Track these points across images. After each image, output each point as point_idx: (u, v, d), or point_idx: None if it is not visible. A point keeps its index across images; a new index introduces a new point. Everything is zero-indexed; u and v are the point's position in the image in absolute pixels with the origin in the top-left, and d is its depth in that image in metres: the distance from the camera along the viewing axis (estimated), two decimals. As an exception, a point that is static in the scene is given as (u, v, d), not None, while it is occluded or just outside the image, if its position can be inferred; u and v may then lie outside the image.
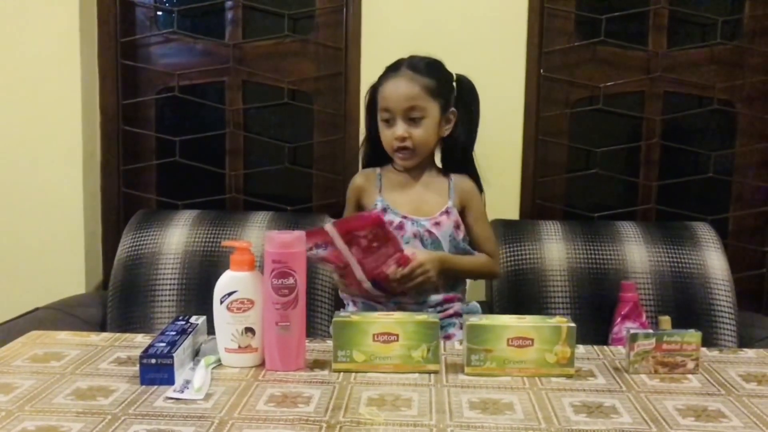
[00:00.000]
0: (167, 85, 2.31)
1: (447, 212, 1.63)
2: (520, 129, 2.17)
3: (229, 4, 2.28)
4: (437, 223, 1.61)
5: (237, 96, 2.31)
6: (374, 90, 1.65)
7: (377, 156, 1.68)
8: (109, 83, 2.26)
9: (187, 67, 2.30)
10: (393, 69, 1.61)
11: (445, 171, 1.68)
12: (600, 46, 2.22)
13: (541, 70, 2.18)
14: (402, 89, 1.57)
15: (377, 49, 2.15)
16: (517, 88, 2.16)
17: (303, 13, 2.28)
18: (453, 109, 1.64)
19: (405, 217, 1.60)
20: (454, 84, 1.67)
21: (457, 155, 1.67)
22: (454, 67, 2.12)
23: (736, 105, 2.25)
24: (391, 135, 1.58)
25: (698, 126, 2.32)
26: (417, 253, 1.50)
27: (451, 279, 1.63)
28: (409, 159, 1.61)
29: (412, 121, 1.57)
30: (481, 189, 1.71)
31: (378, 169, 1.68)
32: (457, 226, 1.63)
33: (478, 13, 2.14)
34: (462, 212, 1.65)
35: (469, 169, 1.69)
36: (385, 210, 1.61)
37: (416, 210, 1.62)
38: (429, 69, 1.60)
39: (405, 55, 2.13)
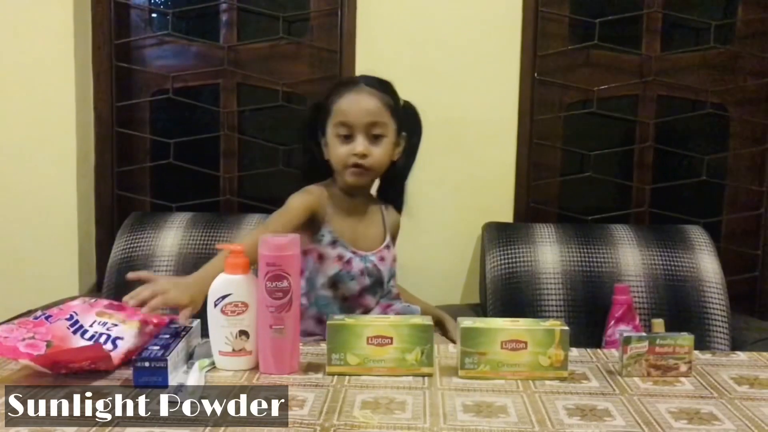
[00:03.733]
0: (162, 87, 2.30)
1: (388, 246, 1.59)
2: (514, 132, 2.18)
3: (223, 6, 2.28)
4: (382, 258, 1.56)
5: (231, 98, 2.31)
6: (318, 106, 1.56)
7: (314, 176, 1.58)
8: (103, 85, 2.25)
9: (182, 69, 2.30)
10: (350, 84, 1.53)
11: (380, 199, 1.63)
12: (594, 50, 2.23)
13: (535, 74, 2.19)
14: (364, 104, 1.48)
15: (372, 52, 2.15)
16: (511, 91, 2.16)
17: (298, 16, 2.28)
18: (404, 133, 1.57)
19: (354, 252, 1.51)
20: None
21: (397, 183, 1.62)
22: (448, 71, 2.14)
23: (729, 109, 2.26)
24: (348, 151, 1.48)
25: (691, 129, 2.33)
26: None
27: None
28: (362, 177, 1.51)
29: (374, 138, 1.49)
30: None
31: (324, 190, 1.54)
32: (394, 259, 1.61)
33: (472, 16, 2.14)
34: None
35: (401, 199, 1.64)
36: (334, 243, 1.50)
37: (359, 242, 1.54)
38: (386, 87, 1.53)
39: (400, 56, 2.14)
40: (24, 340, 1.12)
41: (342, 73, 2.20)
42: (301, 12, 2.27)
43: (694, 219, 2.19)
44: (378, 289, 1.56)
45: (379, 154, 1.50)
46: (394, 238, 1.65)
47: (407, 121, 1.59)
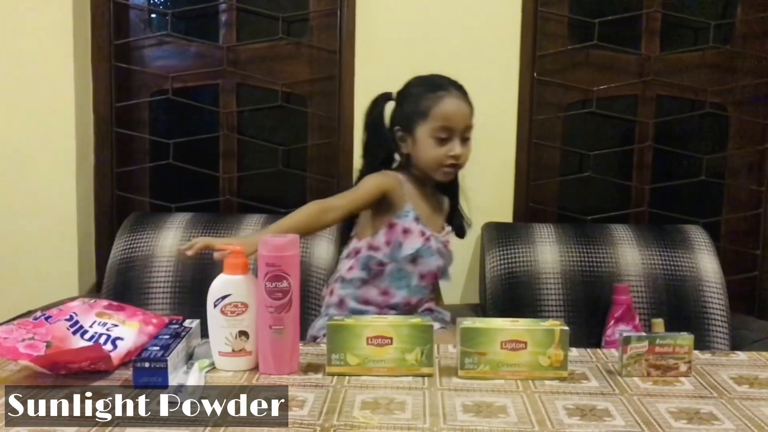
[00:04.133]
0: (161, 87, 2.30)
1: (448, 234, 1.72)
2: (514, 132, 2.18)
3: (223, 6, 2.28)
4: (447, 243, 1.70)
5: (231, 99, 2.31)
6: (385, 96, 1.68)
7: (383, 165, 1.68)
8: (102, 85, 2.25)
9: (181, 69, 2.30)
10: (441, 89, 1.62)
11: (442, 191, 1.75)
12: (593, 50, 2.23)
13: (535, 74, 2.19)
14: (463, 109, 1.62)
15: (371, 52, 2.15)
16: (510, 91, 2.16)
17: (297, 16, 2.28)
18: None
19: (431, 233, 1.64)
20: None
21: (456, 179, 1.74)
22: (447, 71, 2.13)
23: (729, 108, 2.26)
24: (446, 152, 1.59)
25: (691, 129, 2.33)
26: None
27: None
28: (452, 175, 1.66)
29: (464, 140, 1.62)
30: (458, 199, 1.77)
31: (399, 175, 1.65)
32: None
33: (471, 16, 2.14)
34: None
35: (456, 183, 1.75)
36: (417, 220, 1.62)
37: (431, 226, 1.66)
38: (466, 93, 1.66)
39: (400, 56, 2.14)
40: (24, 340, 1.12)
41: (342, 73, 2.20)
42: (301, 12, 2.27)
43: (694, 219, 2.19)
44: (446, 273, 1.71)
45: (468, 154, 1.64)
46: None
47: None
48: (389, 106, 1.69)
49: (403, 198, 1.62)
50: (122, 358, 1.16)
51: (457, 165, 1.62)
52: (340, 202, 1.57)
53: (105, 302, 1.29)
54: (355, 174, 1.77)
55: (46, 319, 1.19)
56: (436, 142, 1.60)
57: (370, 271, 1.62)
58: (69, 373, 1.12)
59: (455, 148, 1.60)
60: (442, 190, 1.74)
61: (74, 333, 1.18)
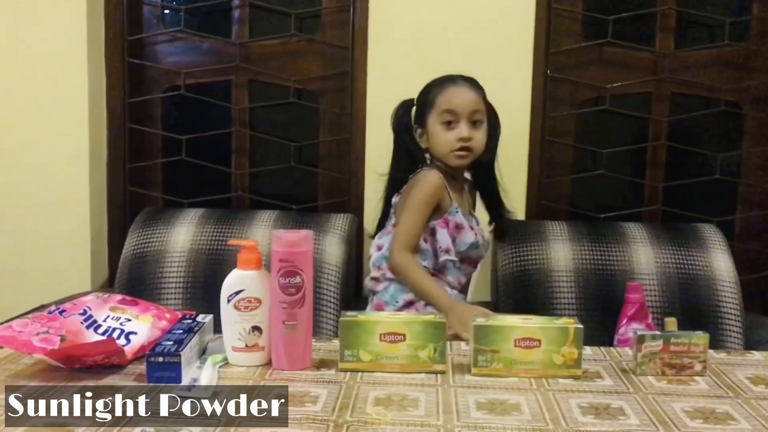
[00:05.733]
0: (174, 83, 2.31)
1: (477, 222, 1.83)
2: (527, 129, 2.17)
3: (235, 3, 2.29)
4: (483, 233, 1.81)
5: (243, 95, 2.31)
6: (408, 103, 1.79)
7: (410, 165, 1.79)
8: (115, 81, 2.26)
9: (194, 65, 2.30)
10: (448, 80, 1.74)
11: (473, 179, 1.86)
12: (607, 47, 2.22)
13: (548, 71, 2.18)
14: (467, 94, 1.71)
15: (384, 49, 2.15)
16: (523, 88, 2.15)
17: (309, 13, 2.28)
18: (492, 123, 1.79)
19: (473, 224, 1.77)
20: None
21: (486, 171, 1.82)
22: (460, 67, 2.13)
23: (744, 107, 2.24)
24: (454, 136, 1.69)
25: (705, 127, 2.31)
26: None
27: None
28: (466, 159, 1.72)
29: (473, 124, 1.70)
30: (499, 196, 1.86)
31: (437, 173, 1.73)
32: None
33: (485, 13, 2.13)
34: None
35: (495, 179, 1.83)
36: (464, 215, 1.75)
37: (468, 217, 1.78)
38: (477, 84, 1.76)
39: (412, 53, 2.14)
40: (38, 334, 1.12)
41: (354, 69, 2.20)
42: (313, 9, 2.27)
43: (708, 217, 2.18)
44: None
45: (480, 137, 1.72)
46: None
47: (489, 115, 1.79)
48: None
49: (447, 195, 1.72)
50: (136, 352, 1.17)
51: (467, 148, 1.70)
52: (415, 240, 1.70)
53: (118, 297, 1.29)
54: (384, 177, 1.86)
55: (60, 313, 1.19)
56: (444, 128, 1.70)
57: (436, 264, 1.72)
58: (83, 366, 1.13)
59: (462, 130, 1.68)
60: (479, 186, 1.86)
61: (88, 327, 1.18)
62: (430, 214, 1.71)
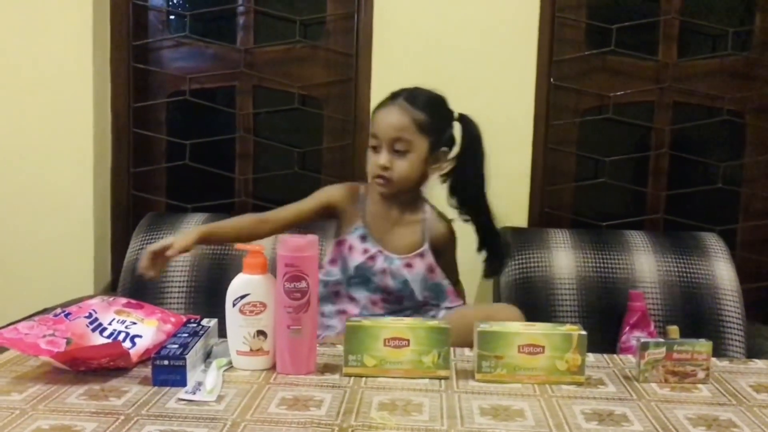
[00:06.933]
0: (178, 88, 2.32)
1: (421, 255, 1.60)
2: (530, 137, 2.17)
3: (240, 9, 2.30)
4: (409, 265, 1.59)
5: (247, 100, 2.32)
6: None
7: None
8: (120, 86, 2.27)
9: (199, 71, 2.31)
10: (391, 97, 1.58)
11: (458, 210, 1.63)
12: (610, 56, 2.23)
13: (551, 79, 2.19)
14: (392, 119, 1.54)
15: (388, 56, 2.16)
16: (527, 96, 2.16)
17: (314, 19, 2.29)
18: (444, 149, 1.59)
19: (380, 251, 1.58)
20: (455, 123, 1.62)
21: (465, 196, 1.62)
22: (464, 75, 2.14)
23: (746, 116, 2.25)
24: (374, 162, 1.55)
25: (707, 136, 2.32)
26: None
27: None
28: (386, 188, 1.56)
29: (397, 153, 1.53)
30: (490, 230, 1.63)
31: (363, 188, 1.63)
32: (431, 270, 1.61)
33: (488, 21, 2.14)
34: (435, 255, 1.62)
35: (481, 210, 1.62)
36: (363, 238, 1.59)
37: (390, 244, 1.59)
38: (426, 104, 1.56)
39: (417, 60, 2.15)
40: (44, 336, 1.13)
41: (358, 76, 2.21)
42: (318, 15, 2.28)
43: (710, 226, 2.18)
44: (407, 298, 1.60)
45: (402, 168, 1.54)
46: (439, 252, 1.63)
47: (464, 134, 1.61)
48: None
49: (354, 214, 1.60)
50: (141, 355, 1.17)
51: (384, 177, 1.54)
52: (276, 216, 1.59)
53: (123, 300, 1.30)
54: None
55: (66, 315, 1.20)
56: (371, 152, 1.57)
57: (326, 289, 1.60)
58: (88, 369, 1.13)
59: (380, 157, 1.53)
60: (471, 214, 1.62)
61: (93, 330, 1.19)
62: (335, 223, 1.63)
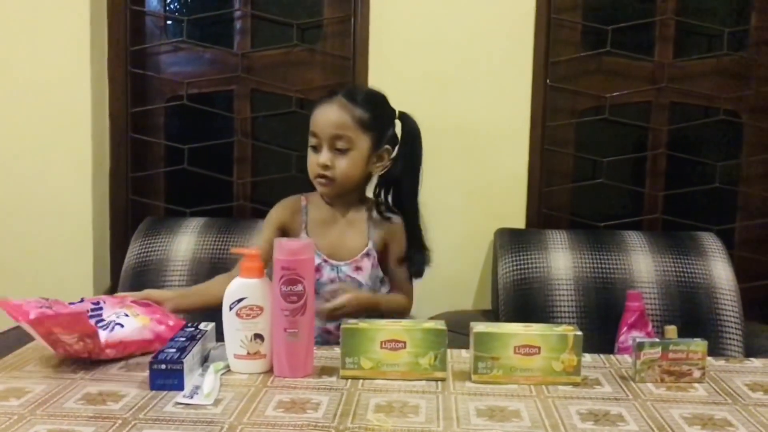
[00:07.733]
0: (176, 93, 2.33)
1: (367, 254, 1.57)
2: (527, 138, 2.18)
3: (237, 13, 2.31)
4: (358, 268, 1.56)
5: (245, 104, 2.33)
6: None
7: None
8: (118, 91, 2.28)
9: (196, 75, 2.32)
10: (329, 95, 1.55)
11: (388, 209, 1.59)
12: (606, 57, 2.23)
13: (548, 80, 2.19)
14: (331, 116, 1.50)
15: (385, 59, 2.17)
16: (523, 97, 2.17)
17: (311, 23, 2.30)
18: (387, 146, 1.55)
19: (325, 260, 1.54)
20: (396, 121, 1.59)
21: (399, 194, 1.59)
22: (460, 77, 2.14)
23: (743, 116, 2.26)
24: (314, 161, 1.51)
25: (704, 136, 2.32)
26: (342, 290, 1.47)
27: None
28: (327, 188, 1.53)
29: (338, 151, 1.49)
30: (418, 231, 1.59)
31: (303, 199, 1.60)
32: (379, 263, 1.59)
33: (485, 23, 2.15)
34: (383, 251, 1.59)
35: (413, 210, 1.59)
36: None
37: (336, 252, 1.55)
38: (366, 101, 1.53)
39: (413, 63, 2.16)
40: (41, 308, 1.15)
41: (355, 79, 2.21)
42: (315, 19, 2.29)
43: (707, 226, 2.19)
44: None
45: (344, 166, 1.50)
46: (388, 246, 1.59)
47: (403, 133, 1.58)
48: None
49: (298, 227, 1.57)
50: (114, 344, 1.19)
51: (325, 177, 1.50)
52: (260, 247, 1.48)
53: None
54: None
55: (80, 302, 1.24)
56: (310, 151, 1.53)
57: None
58: (67, 353, 1.17)
59: (321, 156, 1.50)
60: (402, 211, 1.59)
61: (91, 317, 1.21)
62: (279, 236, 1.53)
